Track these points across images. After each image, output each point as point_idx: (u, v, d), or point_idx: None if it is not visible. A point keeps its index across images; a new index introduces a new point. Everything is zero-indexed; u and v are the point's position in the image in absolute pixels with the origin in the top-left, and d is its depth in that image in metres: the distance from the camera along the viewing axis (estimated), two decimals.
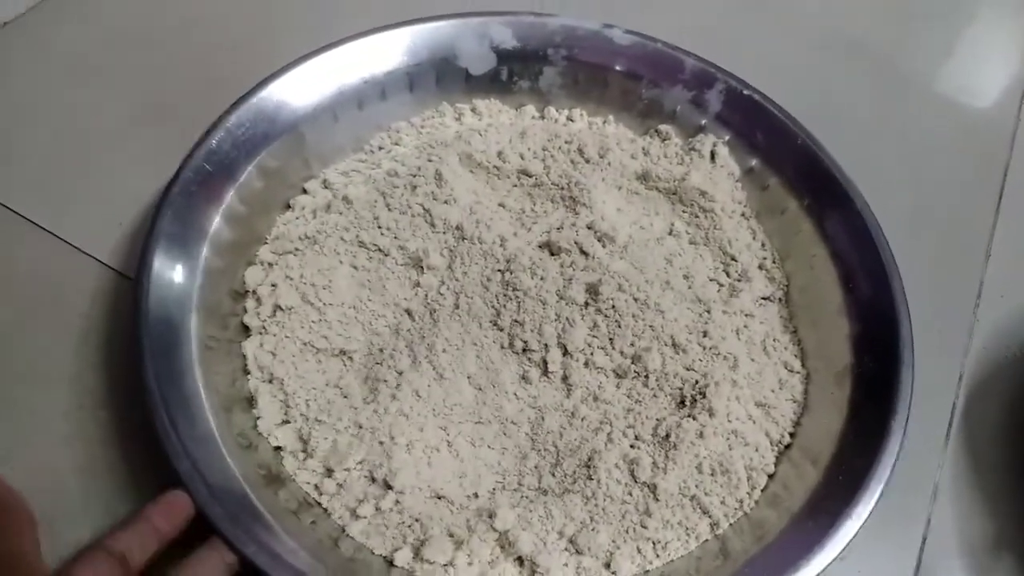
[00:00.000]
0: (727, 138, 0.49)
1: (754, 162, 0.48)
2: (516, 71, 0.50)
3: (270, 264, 0.42)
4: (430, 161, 0.45)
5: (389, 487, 0.35)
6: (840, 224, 0.44)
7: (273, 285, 0.41)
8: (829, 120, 0.49)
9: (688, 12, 0.62)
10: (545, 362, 0.40)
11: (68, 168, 0.47)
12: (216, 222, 0.41)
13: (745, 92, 0.49)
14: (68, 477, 0.36)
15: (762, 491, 0.38)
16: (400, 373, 0.39)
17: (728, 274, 0.45)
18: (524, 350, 0.40)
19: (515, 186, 0.47)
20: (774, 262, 0.46)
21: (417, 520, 0.35)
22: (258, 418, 0.37)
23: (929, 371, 0.41)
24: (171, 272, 0.38)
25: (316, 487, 0.36)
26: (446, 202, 0.44)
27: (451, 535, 0.35)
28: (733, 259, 0.46)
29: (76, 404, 0.38)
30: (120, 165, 0.47)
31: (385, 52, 0.47)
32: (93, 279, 0.43)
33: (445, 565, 0.34)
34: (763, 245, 0.47)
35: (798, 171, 0.47)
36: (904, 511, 0.41)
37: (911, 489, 0.41)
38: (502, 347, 0.40)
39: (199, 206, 0.41)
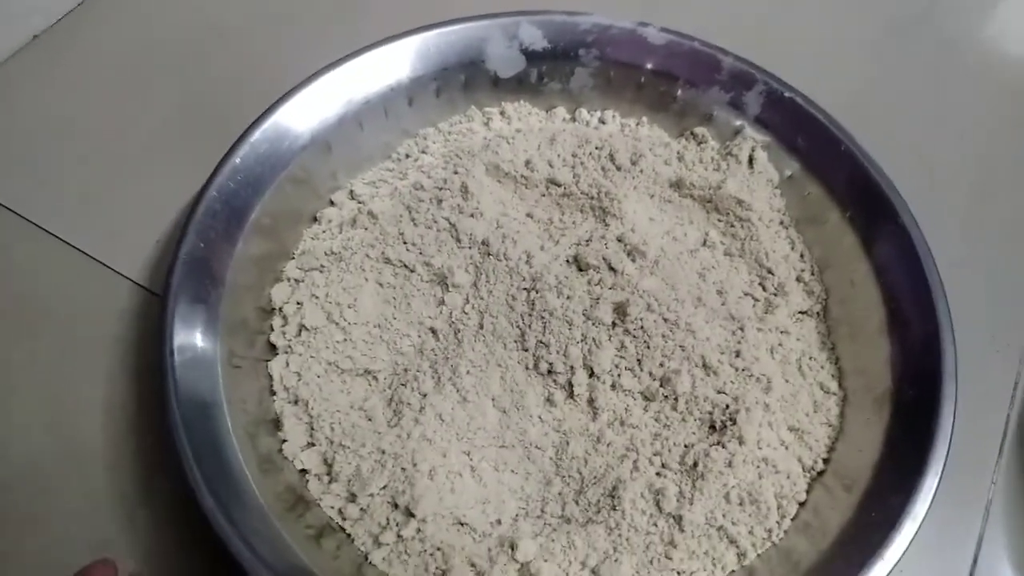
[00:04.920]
0: (766, 142, 0.47)
1: (794, 168, 0.46)
2: (546, 72, 0.49)
3: (296, 281, 0.42)
4: (456, 173, 0.44)
5: (411, 514, 0.35)
6: (885, 239, 0.42)
7: (299, 304, 0.41)
8: (876, 115, 0.46)
9: (726, 6, 0.60)
10: (571, 384, 0.39)
11: (97, 185, 0.47)
12: (242, 238, 0.41)
13: (786, 94, 0.46)
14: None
15: (792, 519, 0.37)
16: (424, 395, 0.38)
17: (764, 287, 0.44)
18: (549, 372, 0.39)
19: (543, 195, 0.46)
20: (812, 274, 0.44)
21: (439, 549, 0.35)
22: (284, 441, 0.38)
23: (984, 379, 0.40)
24: (196, 292, 0.38)
25: (340, 511, 0.36)
26: (472, 216, 0.43)
27: (472, 565, 0.35)
28: (770, 272, 0.44)
29: (104, 421, 0.40)
30: (150, 182, 0.47)
31: (410, 57, 0.46)
32: (123, 298, 0.43)
33: None
34: (802, 256, 0.45)
35: (841, 179, 0.44)
36: (954, 526, 0.40)
37: (963, 505, 0.40)
38: (527, 368, 0.40)
39: (224, 223, 0.40)
